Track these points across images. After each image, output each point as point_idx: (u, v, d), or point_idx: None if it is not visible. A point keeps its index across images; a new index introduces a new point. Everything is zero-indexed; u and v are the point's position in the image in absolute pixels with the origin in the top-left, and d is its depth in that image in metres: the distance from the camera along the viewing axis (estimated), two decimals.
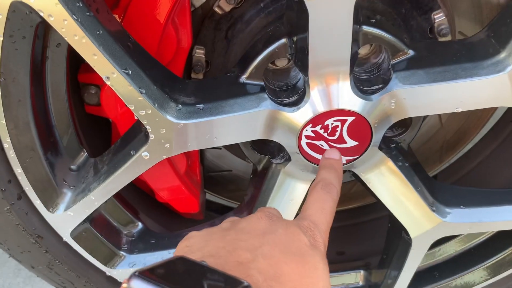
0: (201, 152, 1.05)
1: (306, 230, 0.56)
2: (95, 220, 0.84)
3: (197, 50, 0.84)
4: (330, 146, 0.76)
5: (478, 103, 0.69)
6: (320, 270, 0.52)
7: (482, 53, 0.67)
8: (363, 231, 1.15)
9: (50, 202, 0.77)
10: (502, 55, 0.65)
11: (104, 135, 0.89)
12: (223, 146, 1.04)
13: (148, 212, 0.97)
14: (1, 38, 0.58)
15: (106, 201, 0.77)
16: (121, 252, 0.87)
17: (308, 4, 0.58)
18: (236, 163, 1.07)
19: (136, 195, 0.98)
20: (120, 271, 0.87)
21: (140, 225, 0.90)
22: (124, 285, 0.40)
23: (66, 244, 0.82)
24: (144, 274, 0.41)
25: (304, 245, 0.54)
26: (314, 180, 0.69)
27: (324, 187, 0.64)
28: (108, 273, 0.87)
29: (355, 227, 1.16)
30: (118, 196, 0.89)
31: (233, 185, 1.10)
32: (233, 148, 1.03)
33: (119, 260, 0.87)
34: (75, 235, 0.81)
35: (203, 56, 0.84)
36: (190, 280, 0.42)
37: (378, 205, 1.08)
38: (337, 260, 1.11)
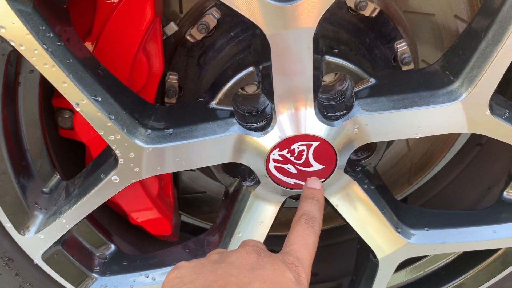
0: (176, 174, 1.07)
1: (291, 266, 0.59)
2: (67, 242, 0.85)
3: (170, 76, 0.87)
4: (297, 170, 0.79)
5: (435, 129, 0.73)
6: None
7: (438, 82, 0.71)
8: (336, 252, 1.17)
9: (21, 225, 0.78)
10: (456, 84, 0.69)
11: (78, 158, 0.91)
12: (197, 168, 1.06)
13: (121, 234, 0.98)
14: None
15: (77, 224, 0.78)
16: (93, 274, 0.88)
17: (269, 37, 0.62)
18: (210, 185, 1.09)
19: (109, 217, 0.99)
20: None
21: (112, 247, 0.91)
22: None
23: (37, 266, 0.82)
24: None
25: (290, 281, 0.57)
26: (297, 210, 0.70)
27: (307, 221, 0.67)
28: None
29: (329, 248, 1.18)
30: (91, 218, 0.90)
31: (207, 206, 1.12)
32: (208, 170, 1.05)
33: (91, 282, 0.88)
34: (46, 257, 0.82)
35: (176, 81, 0.87)
36: None
37: (349, 226, 1.11)
38: (311, 281, 1.12)
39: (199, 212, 1.12)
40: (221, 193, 1.10)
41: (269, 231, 0.86)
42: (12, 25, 0.58)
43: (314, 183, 0.75)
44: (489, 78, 0.66)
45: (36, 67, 0.61)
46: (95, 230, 0.90)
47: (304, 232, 0.65)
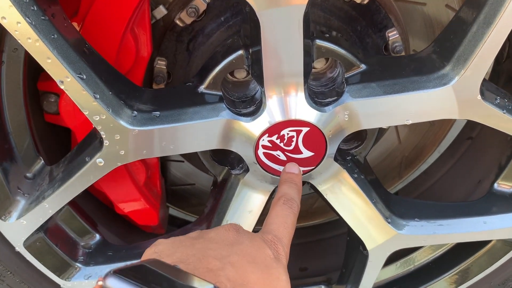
0: (164, 164, 1.05)
1: (270, 244, 0.59)
2: (50, 230, 0.83)
3: (159, 62, 0.85)
4: (287, 157, 0.78)
5: (426, 115, 0.72)
6: (283, 281, 0.56)
7: (429, 67, 0.70)
8: (325, 247, 1.16)
9: (3, 210, 0.76)
10: (447, 68, 0.68)
11: (63, 142, 0.89)
12: (186, 160, 1.05)
13: (106, 224, 0.96)
14: None
15: (61, 210, 0.76)
16: (76, 263, 0.86)
17: (259, 15, 0.61)
18: (198, 177, 1.07)
19: (95, 207, 0.97)
20: (75, 283, 0.85)
21: (97, 236, 0.89)
22: (100, 283, 0.41)
23: (18, 254, 0.80)
24: (120, 273, 0.42)
25: (269, 257, 0.57)
26: (275, 194, 0.71)
27: (285, 202, 0.67)
28: (62, 286, 0.85)
29: (318, 243, 1.16)
30: (76, 206, 0.88)
31: (196, 199, 1.10)
32: (196, 162, 1.04)
33: (75, 272, 0.86)
34: (28, 244, 0.80)
35: (165, 67, 0.86)
36: (164, 281, 0.43)
37: (340, 221, 1.10)
38: (300, 276, 1.11)
39: (187, 204, 1.11)
40: (208, 185, 1.09)
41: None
42: None
43: (293, 167, 0.75)
44: (481, 62, 0.65)
45: (19, 41, 0.59)
46: (80, 219, 0.88)
47: (283, 212, 0.65)
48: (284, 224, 0.64)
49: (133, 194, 0.88)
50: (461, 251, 0.95)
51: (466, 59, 0.66)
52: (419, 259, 0.99)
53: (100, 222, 0.94)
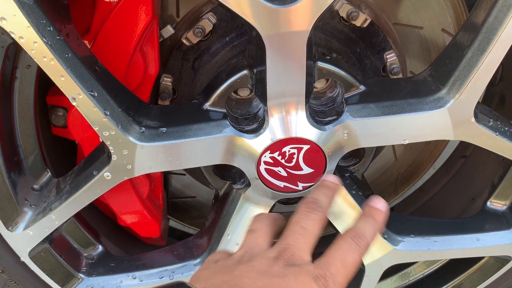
0: (166, 178, 1.07)
1: (319, 279, 0.54)
2: (55, 241, 0.85)
3: (165, 78, 0.88)
4: (288, 173, 0.80)
5: (422, 136, 0.75)
6: None
7: (426, 90, 0.73)
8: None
9: (10, 221, 0.77)
10: (443, 92, 0.71)
11: (69, 156, 0.91)
12: (187, 173, 1.07)
13: (109, 235, 0.98)
14: None
15: (66, 221, 0.78)
16: (79, 274, 0.87)
17: (265, 39, 0.63)
18: (199, 190, 1.10)
19: (98, 218, 0.99)
20: None
21: (100, 247, 0.91)
22: None
23: (23, 264, 0.82)
24: None
25: None
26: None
27: (354, 237, 0.61)
28: None
29: (317, 258, 1.18)
30: (80, 218, 0.90)
31: (196, 211, 1.12)
32: (198, 175, 1.06)
33: (77, 282, 0.87)
34: (33, 255, 0.81)
35: (170, 84, 0.88)
36: None
37: (336, 235, 1.12)
38: None
39: (188, 217, 1.13)
40: (210, 198, 1.11)
41: None
42: (13, 17, 0.59)
43: (381, 203, 0.67)
44: (475, 86, 0.68)
45: (35, 60, 0.61)
46: (83, 230, 0.90)
47: (345, 247, 0.59)
48: (343, 260, 0.57)
49: (136, 206, 0.90)
50: (454, 267, 0.98)
51: (461, 83, 0.69)
52: (413, 274, 1.02)
53: (102, 233, 0.95)
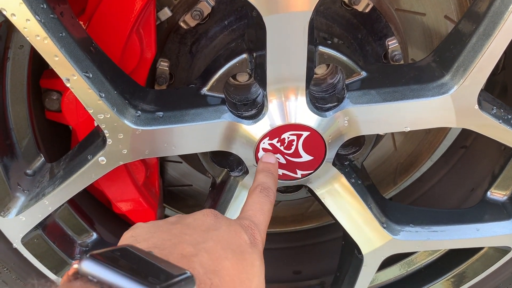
0: (162, 165, 1.05)
1: (247, 229, 0.60)
2: (48, 227, 0.83)
3: (161, 63, 0.86)
4: (286, 160, 0.79)
5: (424, 123, 0.74)
6: (256, 267, 0.56)
7: (429, 76, 0.72)
8: (320, 251, 1.17)
9: (2, 206, 0.76)
10: (446, 78, 0.70)
11: (63, 141, 0.89)
12: (184, 161, 1.05)
13: (103, 223, 0.96)
14: None
15: (60, 207, 0.76)
16: (73, 261, 0.86)
17: (266, 20, 0.62)
18: (196, 178, 1.08)
19: (93, 206, 0.97)
20: None
21: (95, 235, 0.90)
22: (75, 265, 0.41)
23: (16, 250, 0.80)
24: (96, 257, 0.42)
25: (244, 243, 0.58)
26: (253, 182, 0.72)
27: (262, 190, 0.69)
28: (58, 283, 0.85)
29: (312, 247, 1.17)
30: (74, 205, 0.88)
31: (192, 200, 1.11)
32: (194, 163, 1.05)
33: None
34: (26, 241, 0.80)
35: (167, 68, 0.86)
36: (138, 266, 0.43)
37: (334, 225, 1.11)
38: (293, 279, 1.12)
39: (184, 205, 1.11)
40: (207, 186, 1.10)
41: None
42: None
43: (270, 157, 0.76)
44: (479, 72, 0.67)
45: (28, 38, 0.59)
46: (77, 217, 0.88)
47: (260, 200, 0.67)
48: (261, 210, 0.65)
49: (132, 193, 0.88)
50: (456, 256, 0.97)
51: (465, 69, 0.67)
52: (418, 261, 1.01)
53: (97, 220, 0.94)
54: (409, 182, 1.13)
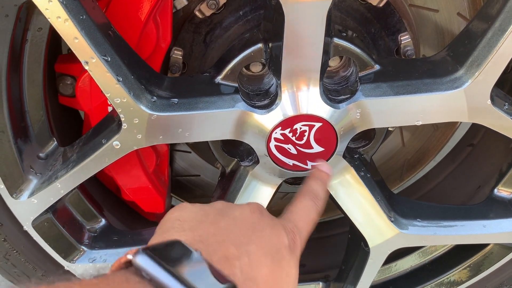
0: (170, 155, 1.06)
1: (289, 233, 0.60)
2: (59, 211, 0.84)
3: (175, 52, 0.87)
4: (298, 151, 0.79)
5: (437, 117, 0.74)
6: (292, 277, 0.57)
7: (442, 70, 0.73)
8: (325, 245, 1.17)
9: (14, 188, 0.76)
10: (460, 72, 0.71)
11: (74, 126, 0.89)
12: (193, 150, 1.06)
13: (112, 210, 0.97)
14: None
15: (72, 191, 0.77)
16: (82, 246, 0.86)
17: (285, 8, 0.62)
18: (204, 168, 1.08)
19: (102, 192, 0.97)
20: (79, 266, 0.86)
21: (103, 221, 0.90)
22: (129, 256, 0.42)
23: (26, 233, 0.81)
24: (150, 251, 0.43)
25: (284, 247, 0.57)
26: (303, 186, 0.71)
27: (313, 198, 0.68)
28: (66, 267, 0.86)
29: (318, 241, 1.18)
30: (84, 190, 0.89)
31: (200, 190, 1.11)
32: (202, 153, 1.05)
33: (79, 254, 0.86)
34: (37, 224, 0.80)
35: (181, 57, 0.87)
36: (186, 267, 0.44)
37: (340, 219, 1.11)
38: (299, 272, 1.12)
39: (191, 195, 1.12)
40: (214, 177, 1.10)
41: None
42: None
43: (326, 167, 0.75)
44: (493, 67, 0.68)
45: (49, 19, 0.60)
46: (87, 203, 0.89)
47: (308, 207, 0.66)
48: (307, 218, 0.64)
49: (142, 180, 0.89)
50: (460, 252, 0.98)
51: (480, 64, 0.68)
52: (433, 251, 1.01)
53: (106, 207, 0.94)
54: (415, 178, 1.13)
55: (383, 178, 0.90)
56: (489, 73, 0.68)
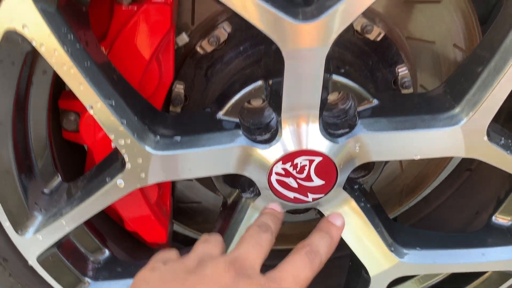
0: (173, 182, 1.07)
1: None
2: (63, 245, 0.85)
3: (177, 85, 0.88)
4: (298, 184, 0.80)
5: (434, 152, 0.75)
6: None
7: (440, 106, 0.74)
8: (326, 268, 1.18)
9: (20, 225, 0.77)
10: (457, 110, 0.72)
11: (78, 160, 0.91)
12: (194, 179, 1.07)
13: (115, 240, 0.98)
14: None
15: (76, 226, 0.78)
16: (86, 278, 0.87)
17: (284, 53, 0.64)
18: (205, 195, 1.10)
19: (105, 222, 0.98)
20: None
21: (107, 252, 0.91)
22: None
23: (31, 268, 0.82)
24: None
25: None
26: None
27: (308, 253, 0.61)
28: None
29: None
30: (87, 222, 0.90)
31: (201, 217, 1.13)
32: (204, 180, 1.06)
33: (84, 286, 0.87)
34: (42, 259, 0.81)
35: (183, 91, 0.89)
36: None
37: (340, 244, 1.12)
38: None
39: (193, 222, 1.13)
40: (216, 204, 1.11)
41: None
42: (35, 25, 0.59)
43: (337, 218, 0.69)
44: (489, 106, 0.69)
45: (54, 68, 0.61)
46: (90, 234, 0.90)
47: (301, 262, 0.59)
48: (296, 277, 0.56)
49: (145, 212, 0.90)
50: (458, 280, 0.99)
51: (476, 102, 0.69)
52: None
53: (109, 238, 0.95)
54: (414, 202, 1.15)
55: (383, 207, 0.92)
56: (485, 111, 0.70)
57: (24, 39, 0.60)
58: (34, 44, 0.60)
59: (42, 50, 0.60)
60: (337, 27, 0.61)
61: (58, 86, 0.84)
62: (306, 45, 0.62)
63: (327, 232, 0.66)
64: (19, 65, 0.64)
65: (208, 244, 0.63)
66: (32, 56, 0.68)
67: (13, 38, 0.60)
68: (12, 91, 0.66)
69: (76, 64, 0.61)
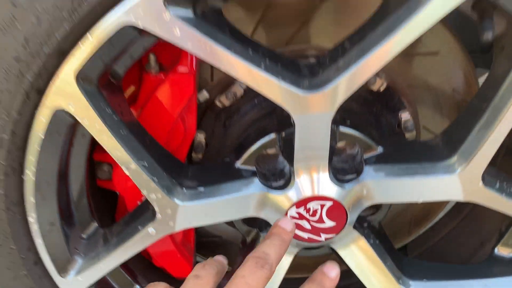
0: None
1: None
2: (99, 283, 0.93)
3: (199, 134, 0.97)
4: (311, 226, 0.88)
5: (436, 196, 0.82)
6: None
7: (439, 155, 0.81)
8: None
9: (62, 268, 0.86)
10: (453, 159, 0.79)
11: (111, 207, 1.00)
12: None
13: (145, 275, 1.06)
14: (42, 137, 0.70)
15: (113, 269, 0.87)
16: None
17: (295, 118, 0.72)
18: (225, 230, 1.18)
19: (135, 259, 1.07)
20: None
21: (137, 287, 1.00)
22: None
23: None
24: None
25: None
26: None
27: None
28: None
29: None
30: None
31: (222, 249, 1.21)
32: None
33: None
34: None
35: (204, 139, 0.97)
36: None
37: (346, 273, 1.18)
38: None
39: (214, 254, 1.20)
40: (235, 236, 1.19)
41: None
42: (78, 103, 0.68)
43: (331, 270, 0.68)
44: (482, 156, 0.76)
45: (96, 138, 0.70)
46: (122, 271, 0.98)
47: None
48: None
49: (171, 249, 0.98)
50: None
51: (470, 153, 0.76)
52: None
53: (139, 273, 1.04)
54: (421, 231, 1.21)
55: (391, 241, 0.99)
56: (479, 160, 0.76)
57: (70, 115, 0.69)
58: (77, 118, 0.69)
59: (84, 123, 0.69)
60: (341, 96, 0.69)
61: (92, 140, 0.93)
62: (313, 111, 0.71)
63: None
64: (63, 134, 0.73)
65: (199, 281, 0.62)
66: (74, 126, 0.77)
67: (60, 114, 0.69)
68: (57, 156, 0.75)
69: (113, 134, 0.70)
